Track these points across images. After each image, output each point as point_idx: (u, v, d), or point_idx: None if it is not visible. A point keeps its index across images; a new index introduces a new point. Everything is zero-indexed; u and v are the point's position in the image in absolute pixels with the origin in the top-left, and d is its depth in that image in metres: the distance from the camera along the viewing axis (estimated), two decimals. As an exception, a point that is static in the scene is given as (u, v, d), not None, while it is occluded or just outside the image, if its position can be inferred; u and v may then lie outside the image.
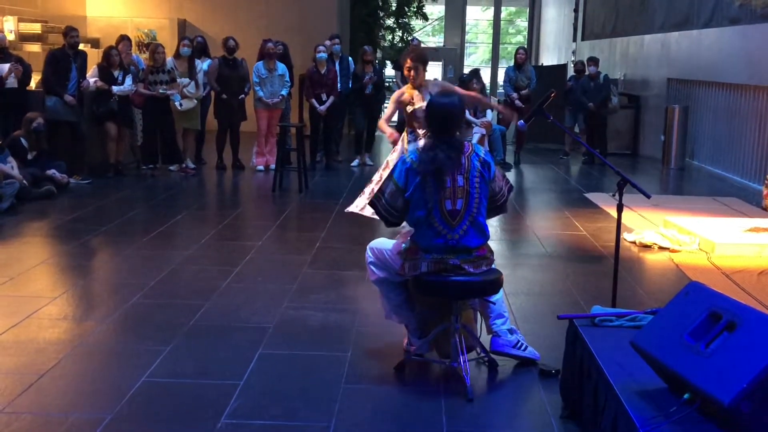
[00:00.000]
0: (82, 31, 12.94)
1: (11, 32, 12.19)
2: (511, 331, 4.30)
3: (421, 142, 4.56)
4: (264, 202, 9.34)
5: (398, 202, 4.02)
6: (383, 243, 4.23)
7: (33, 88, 10.14)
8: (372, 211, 4.31)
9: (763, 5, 10.17)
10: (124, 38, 10.79)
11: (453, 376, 4.06)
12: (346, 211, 7.18)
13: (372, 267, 4.19)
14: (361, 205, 6.81)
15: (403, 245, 4.09)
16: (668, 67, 13.57)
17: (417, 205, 3.97)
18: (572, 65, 14.82)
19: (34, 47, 12.26)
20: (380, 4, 18.69)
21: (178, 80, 10.46)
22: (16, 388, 3.84)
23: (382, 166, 6.93)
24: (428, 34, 30.87)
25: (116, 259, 6.47)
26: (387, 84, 14.92)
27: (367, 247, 4.25)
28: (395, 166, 4.10)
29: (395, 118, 11.40)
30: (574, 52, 20.02)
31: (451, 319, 4.01)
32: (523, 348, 4.27)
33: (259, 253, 6.66)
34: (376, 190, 4.25)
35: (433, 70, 21.38)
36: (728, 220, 7.97)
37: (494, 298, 4.26)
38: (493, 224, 5.29)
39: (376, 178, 6.83)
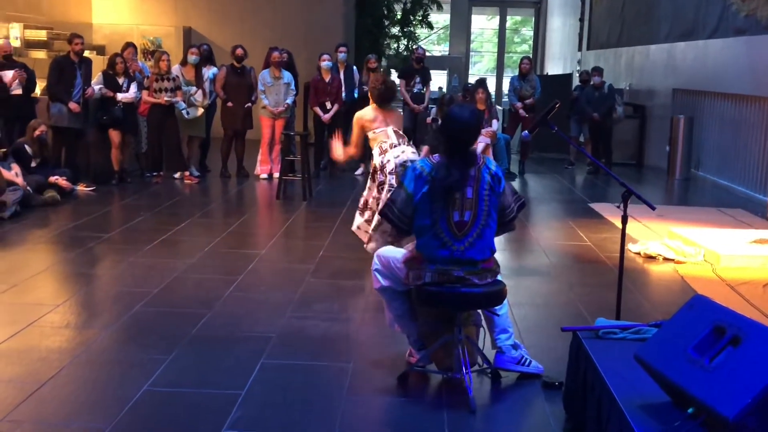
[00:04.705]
0: (88, 38, 12.95)
1: (17, 39, 12.23)
2: (515, 347, 4.26)
3: (423, 154, 4.47)
4: (268, 211, 9.34)
5: (409, 210, 3.95)
6: (391, 251, 4.21)
7: (38, 95, 10.16)
8: (368, 230, 4.25)
9: (769, 16, 10.15)
10: (129, 45, 10.82)
11: (456, 388, 4.03)
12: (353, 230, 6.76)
13: (377, 275, 4.15)
14: (356, 224, 6.56)
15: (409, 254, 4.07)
16: (674, 77, 13.55)
17: (423, 213, 3.92)
18: (578, 75, 14.78)
19: (40, 54, 12.29)
20: (385, 12, 18.71)
21: (185, 88, 10.47)
22: (17, 397, 3.83)
23: (366, 191, 6.53)
24: (433, 42, 30.89)
25: (119, 266, 6.46)
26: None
27: (375, 254, 4.23)
28: (406, 173, 4.03)
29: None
30: (579, 62, 20.01)
31: (454, 330, 3.99)
32: (527, 363, 4.24)
33: (263, 262, 6.65)
34: (387, 199, 4.19)
35: (439, 79, 21.36)
36: (733, 231, 7.94)
37: (499, 311, 4.22)
38: (497, 234, 5.24)
39: (362, 201, 6.55)
